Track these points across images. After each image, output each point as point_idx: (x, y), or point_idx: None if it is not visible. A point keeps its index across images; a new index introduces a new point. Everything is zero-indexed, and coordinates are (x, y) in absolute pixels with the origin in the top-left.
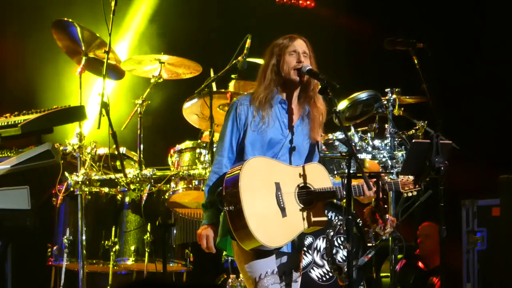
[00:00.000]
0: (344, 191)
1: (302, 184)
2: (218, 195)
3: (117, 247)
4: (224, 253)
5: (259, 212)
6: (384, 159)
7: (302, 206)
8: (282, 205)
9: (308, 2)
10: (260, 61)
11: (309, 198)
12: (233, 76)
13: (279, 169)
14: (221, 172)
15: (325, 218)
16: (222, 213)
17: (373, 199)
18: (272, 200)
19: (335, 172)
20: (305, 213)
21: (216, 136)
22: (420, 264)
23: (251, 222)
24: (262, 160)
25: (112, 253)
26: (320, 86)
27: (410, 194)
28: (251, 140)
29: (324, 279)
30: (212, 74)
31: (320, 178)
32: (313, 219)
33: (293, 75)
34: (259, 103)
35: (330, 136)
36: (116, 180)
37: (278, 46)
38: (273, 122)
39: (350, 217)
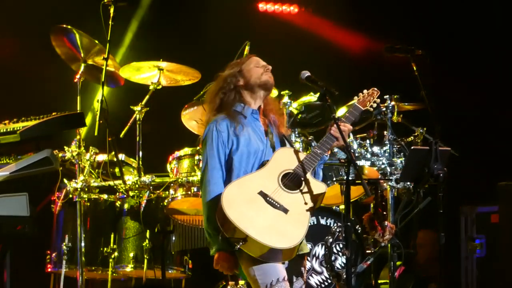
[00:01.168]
0: (318, 147)
1: (282, 174)
2: (223, 239)
3: (116, 254)
4: None
5: (265, 227)
6: (383, 166)
7: (294, 191)
8: (278, 205)
9: (301, 9)
10: None
11: (295, 180)
12: None
13: (252, 180)
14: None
15: (323, 186)
16: None
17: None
18: (267, 209)
19: (334, 179)
20: (302, 195)
21: None
22: (418, 271)
23: (268, 241)
24: (233, 186)
25: (111, 260)
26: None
27: (374, 105)
28: (237, 154)
29: (323, 286)
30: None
31: (292, 158)
32: (313, 194)
33: (263, 77)
34: (234, 119)
35: None
36: (115, 187)
37: (236, 65)
38: (253, 133)
39: (349, 224)
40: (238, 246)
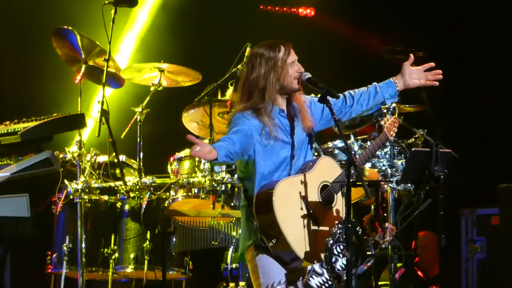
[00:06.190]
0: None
1: (322, 185)
2: (256, 229)
3: (116, 255)
4: (234, 257)
5: (300, 235)
6: (383, 168)
7: (327, 206)
8: (314, 217)
9: (308, 11)
10: None
11: (330, 195)
12: (229, 84)
13: (298, 182)
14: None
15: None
16: (241, 229)
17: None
18: (305, 216)
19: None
20: (331, 212)
21: None
22: (419, 272)
23: (297, 248)
24: (285, 184)
25: (111, 261)
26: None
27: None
28: (261, 154)
29: (324, 287)
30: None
31: (331, 170)
32: (339, 214)
33: (294, 85)
34: (261, 116)
35: (330, 144)
36: (115, 188)
37: (272, 58)
38: (277, 132)
39: (349, 225)
40: (269, 245)
